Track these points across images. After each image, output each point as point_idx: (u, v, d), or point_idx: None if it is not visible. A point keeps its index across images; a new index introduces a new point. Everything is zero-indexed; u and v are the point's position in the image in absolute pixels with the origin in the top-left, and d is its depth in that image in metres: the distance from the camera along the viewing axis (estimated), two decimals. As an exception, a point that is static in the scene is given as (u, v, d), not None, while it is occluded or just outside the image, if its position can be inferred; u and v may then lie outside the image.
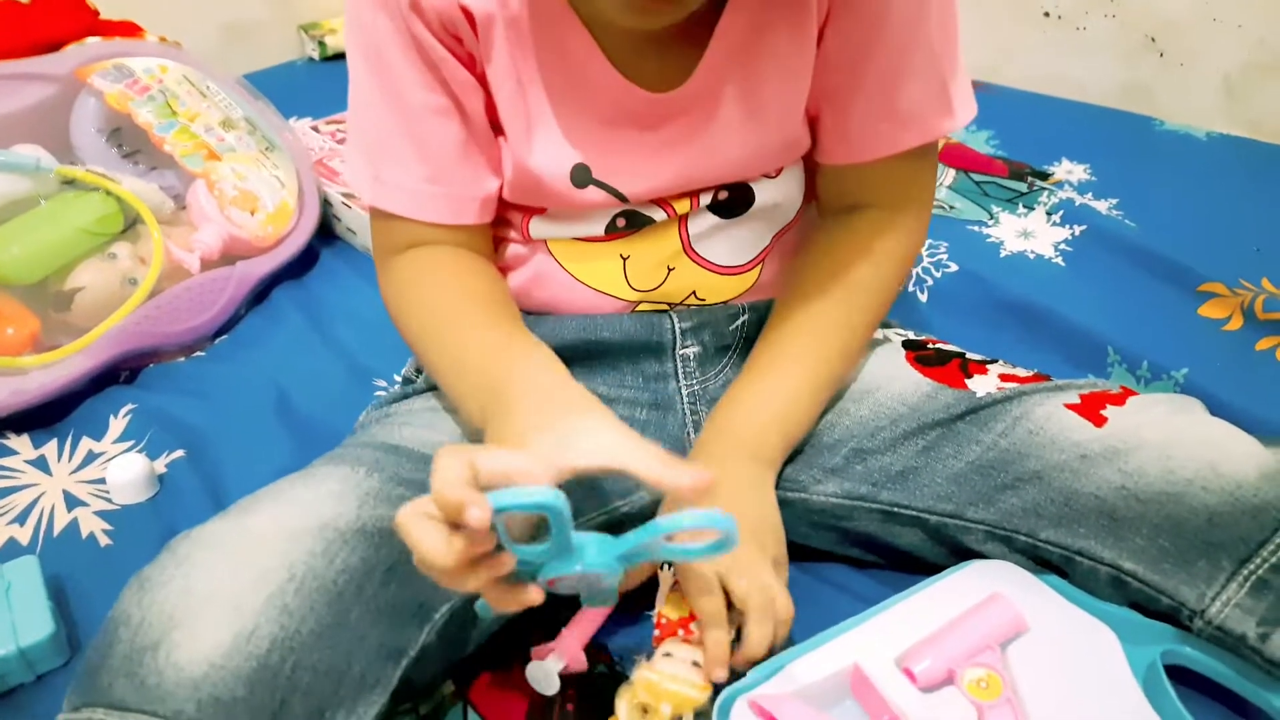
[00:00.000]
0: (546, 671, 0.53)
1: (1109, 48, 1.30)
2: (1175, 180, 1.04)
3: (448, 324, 0.56)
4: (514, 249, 0.62)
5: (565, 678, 0.53)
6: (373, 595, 0.47)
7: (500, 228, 0.62)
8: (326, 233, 1.05)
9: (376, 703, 0.46)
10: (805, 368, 0.58)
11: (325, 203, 1.04)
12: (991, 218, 0.99)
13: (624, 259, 0.60)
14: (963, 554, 0.58)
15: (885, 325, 0.68)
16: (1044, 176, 1.06)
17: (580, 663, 0.55)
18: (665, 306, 0.62)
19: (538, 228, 0.60)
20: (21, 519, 0.68)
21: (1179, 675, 0.51)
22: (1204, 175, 1.05)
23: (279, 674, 0.42)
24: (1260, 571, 0.48)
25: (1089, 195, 1.01)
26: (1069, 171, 1.07)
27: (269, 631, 0.43)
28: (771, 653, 0.50)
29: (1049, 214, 0.99)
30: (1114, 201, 1.00)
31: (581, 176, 0.56)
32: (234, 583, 0.44)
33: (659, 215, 0.59)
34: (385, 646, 0.47)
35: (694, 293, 0.61)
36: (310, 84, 1.46)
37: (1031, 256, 0.92)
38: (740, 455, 0.56)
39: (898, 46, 0.55)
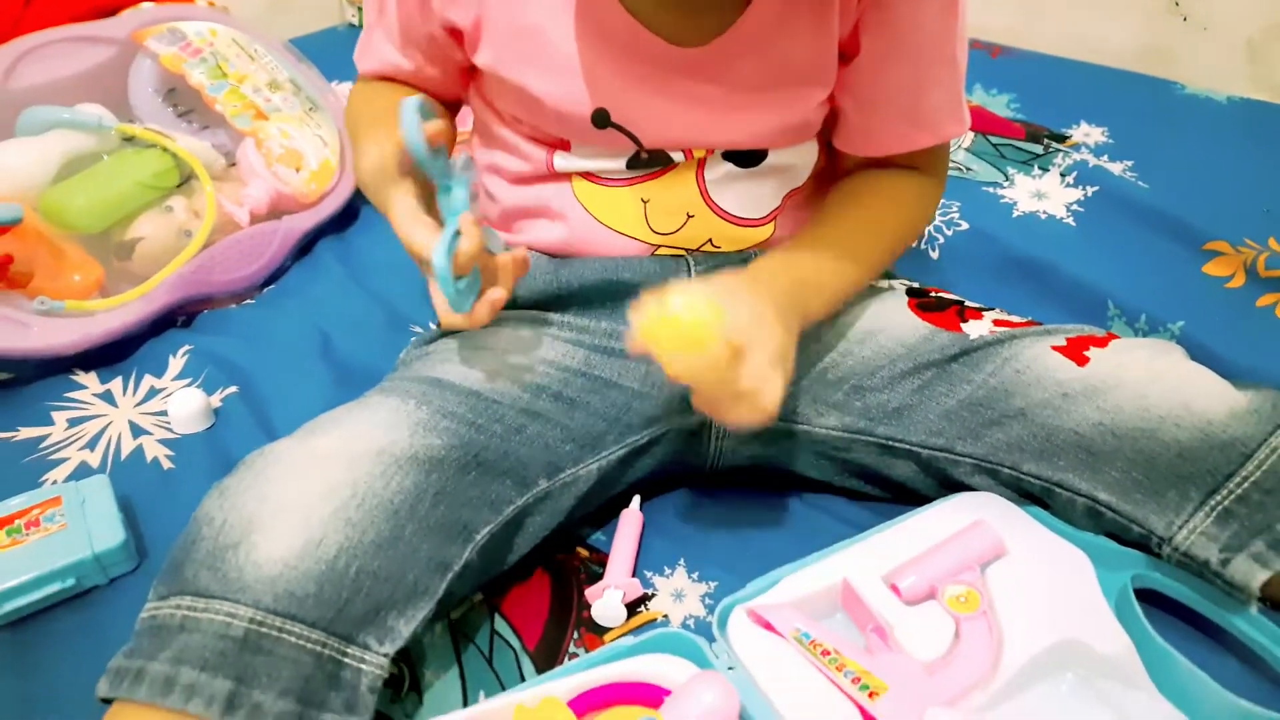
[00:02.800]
0: (610, 605, 0.58)
1: (1132, 11, 1.30)
2: (1192, 143, 1.05)
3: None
4: (540, 191, 0.66)
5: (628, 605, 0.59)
6: (424, 515, 0.52)
7: (524, 161, 0.66)
8: (366, 190, 1.10)
9: (425, 608, 0.51)
10: (850, 269, 0.63)
11: (365, 161, 1.08)
12: (1006, 179, 1.01)
13: (644, 203, 0.64)
14: (952, 486, 0.62)
15: (890, 277, 0.72)
16: (1061, 139, 1.08)
17: (636, 588, 0.60)
18: (683, 252, 0.66)
19: (561, 161, 0.64)
20: (92, 444, 0.75)
21: (1148, 598, 0.55)
22: (1221, 138, 1.06)
23: (344, 576, 0.48)
24: (1226, 503, 0.52)
25: (1104, 157, 1.03)
26: (1086, 134, 1.08)
27: (335, 540, 0.49)
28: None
29: (1063, 175, 1.00)
30: (1129, 164, 1.01)
31: (601, 119, 0.60)
32: (304, 496, 0.50)
33: (678, 156, 0.63)
34: (434, 560, 0.52)
35: (710, 240, 0.65)
36: (350, 49, 1.46)
37: (1043, 216, 0.95)
38: (782, 285, 0.59)
39: (928, 57, 0.59)
